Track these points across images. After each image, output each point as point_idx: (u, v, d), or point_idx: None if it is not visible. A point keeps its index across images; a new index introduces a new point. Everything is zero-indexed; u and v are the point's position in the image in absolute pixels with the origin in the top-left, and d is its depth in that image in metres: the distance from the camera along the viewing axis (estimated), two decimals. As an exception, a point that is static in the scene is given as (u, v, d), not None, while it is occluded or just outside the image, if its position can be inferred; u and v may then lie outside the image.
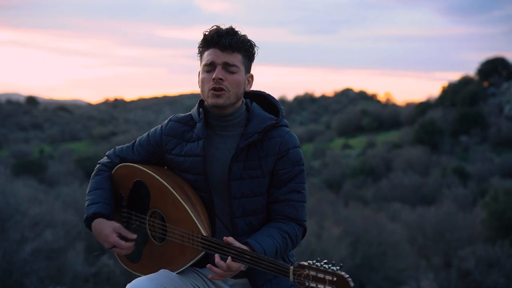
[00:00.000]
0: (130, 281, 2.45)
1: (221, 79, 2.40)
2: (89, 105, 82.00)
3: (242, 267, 2.29)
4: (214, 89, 2.41)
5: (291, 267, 2.14)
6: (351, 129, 49.59)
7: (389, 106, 60.04)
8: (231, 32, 2.42)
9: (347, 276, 2.04)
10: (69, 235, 14.17)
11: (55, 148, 42.23)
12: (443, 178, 28.66)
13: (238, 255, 2.24)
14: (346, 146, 43.88)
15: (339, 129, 50.49)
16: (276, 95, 2.64)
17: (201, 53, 2.48)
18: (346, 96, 68.28)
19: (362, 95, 68.64)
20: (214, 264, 2.30)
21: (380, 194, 28.21)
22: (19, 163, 30.46)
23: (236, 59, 2.42)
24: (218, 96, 2.41)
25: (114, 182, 2.64)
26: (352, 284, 2.04)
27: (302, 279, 2.11)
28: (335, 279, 2.05)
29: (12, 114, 49.99)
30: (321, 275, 2.07)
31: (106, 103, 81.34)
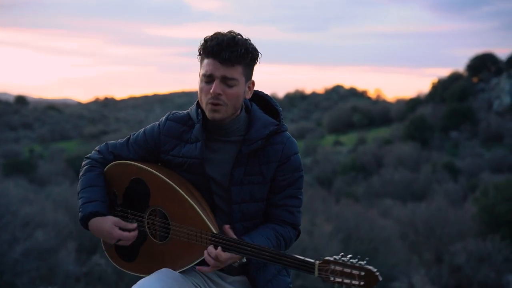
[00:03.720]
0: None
1: (219, 94, 2.35)
2: (79, 104, 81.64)
3: (235, 263, 2.29)
4: (212, 103, 2.37)
5: (317, 262, 2.14)
6: (342, 126, 49.64)
7: (379, 102, 60.17)
8: (232, 43, 2.33)
9: (375, 270, 2.04)
10: (60, 235, 14.11)
11: (45, 147, 42.03)
12: (434, 174, 28.77)
13: (255, 253, 2.24)
14: (337, 143, 43.95)
15: (330, 126, 50.53)
16: (266, 92, 2.61)
17: (201, 58, 2.41)
18: (337, 93, 68.40)
19: (353, 92, 68.79)
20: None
21: (371, 191, 28.27)
22: (9, 163, 30.29)
23: (236, 72, 2.36)
24: (215, 111, 2.37)
25: (107, 180, 2.57)
26: (380, 278, 2.04)
27: (328, 274, 2.10)
28: (363, 273, 2.05)
29: (1, 113, 49.68)
30: (347, 270, 2.07)
31: (96, 102, 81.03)
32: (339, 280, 2.08)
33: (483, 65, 45.98)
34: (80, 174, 2.59)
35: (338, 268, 2.09)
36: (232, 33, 2.37)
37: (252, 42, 2.41)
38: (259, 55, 2.42)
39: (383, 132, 43.81)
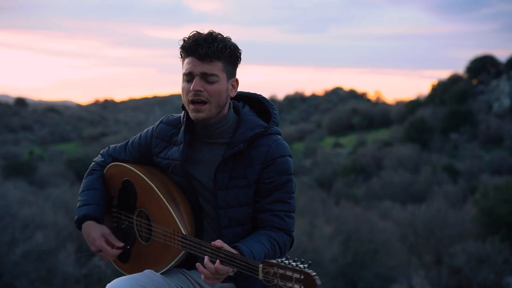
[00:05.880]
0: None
1: (199, 90, 2.32)
2: (79, 106, 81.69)
3: (230, 272, 2.25)
4: (193, 101, 2.34)
5: (260, 265, 2.11)
6: (342, 128, 49.70)
7: (379, 104, 60.20)
8: (210, 39, 2.31)
9: (314, 274, 2.00)
10: (59, 236, 14.10)
11: (45, 149, 42.04)
12: (433, 176, 28.79)
13: (213, 254, 2.22)
14: (337, 145, 43.97)
15: (330, 128, 50.59)
16: (266, 94, 2.58)
17: (182, 58, 2.40)
18: (336, 95, 68.46)
19: (352, 94, 68.87)
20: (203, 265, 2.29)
21: (371, 192, 28.29)
22: (8, 164, 30.29)
23: (215, 68, 2.33)
24: (198, 111, 2.34)
25: (105, 182, 2.63)
26: (319, 282, 2.01)
27: (270, 277, 2.08)
28: (302, 277, 2.02)
29: (1, 115, 49.66)
30: (289, 273, 2.04)
31: (96, 104, 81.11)
32: (282, 283, 2.05)
33: (483, 67, 46.03)
34: (84, 177, 2.67)
35: (280, 271, 2.05)
36: (211, 31, 2.35)
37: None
38: (240, 52, 2.39)
39: (382, 134, 43.83)
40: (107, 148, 2.71)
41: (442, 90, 45.76)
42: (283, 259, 2.08)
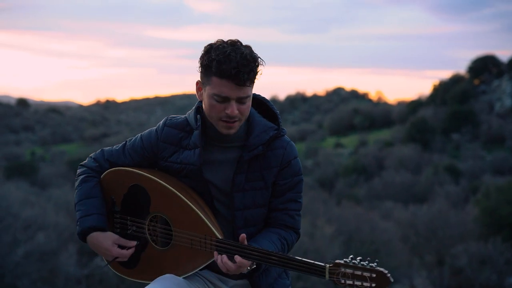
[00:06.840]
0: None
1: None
2: (80, 106, 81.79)
3: (245, 269, 2.28)
4: (227, 121, 2.32)
5: (327, 266, 2.12)
6: (343, 128, 49.67)
7: (380, 104, 60.15)
8: (245, 63, 2.23)
9: (386, 271, 2.02)
10: (61, 237, 14.11)
11: (46, 150, 42.06)
12: (435, 176, 28.75)
13: (263, 257, 2.22)
14: (338, 145, 43.93)
15: (331, 128, 50.56)
16: (267, 94, 2.59)
17: (207, 73, 2.30)
18: (338, 95, 68.46)
19: (354, 94, 68.88)
20: (218, 268, 2.32)
21: (372, 193, 28.25)
22: (10, 165, 30.30)
23: (249, 90, 2.31)
24: (230, 128, 2.34)
25: (104, 187, 2.54)
26: (392, 280, 2.02)
27: (339, 277, 2.08)
28: (374, 275, 2.03)
29: (2, 116, 49.72)
30: (358, 272, 2.05)
31: (98, 104, 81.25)
32: (350, 282, 2.06)
33: (485, 67, 45.97)
34: (76, 184, 2.54)
35: (349, 270, 2.07)
36: (238, 47, 2.27)
37: (253, 43, 2.35)
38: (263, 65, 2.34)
39: (384, 134, 43.79)
40: (99, 151, 2.60)
41: (443, 90, 45.70)
42: (350, 259, 2.09)
